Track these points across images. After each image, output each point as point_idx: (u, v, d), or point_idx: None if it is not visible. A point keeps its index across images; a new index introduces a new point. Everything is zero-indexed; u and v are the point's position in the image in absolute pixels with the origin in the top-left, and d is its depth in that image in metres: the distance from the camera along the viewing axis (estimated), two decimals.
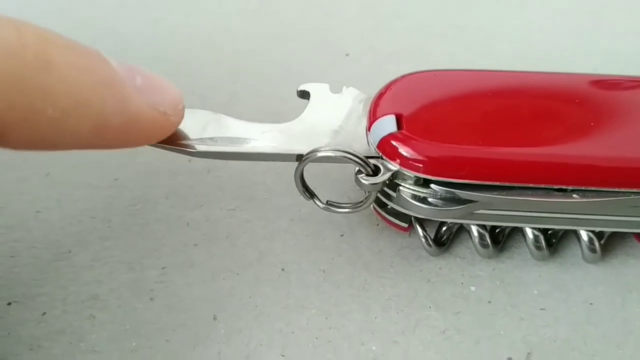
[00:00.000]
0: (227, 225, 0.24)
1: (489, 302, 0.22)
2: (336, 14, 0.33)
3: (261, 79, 0.29)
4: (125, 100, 0.17)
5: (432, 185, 0.21)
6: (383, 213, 0.23)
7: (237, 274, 0.23)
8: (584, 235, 0.22)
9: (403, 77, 0.22)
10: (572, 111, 0.21)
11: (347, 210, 0.22)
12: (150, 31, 0.32)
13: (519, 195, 0.20)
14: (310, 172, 0.22)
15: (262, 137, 0.21)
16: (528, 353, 0.21)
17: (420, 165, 0.20)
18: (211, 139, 0.21)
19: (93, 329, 0.22)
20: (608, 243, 0.23)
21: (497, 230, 0.23)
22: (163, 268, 0.23)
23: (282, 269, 0.23)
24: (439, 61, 0.30)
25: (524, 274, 0.23)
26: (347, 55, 0.31)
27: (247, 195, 0.25)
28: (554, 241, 0.23)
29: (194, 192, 0.25)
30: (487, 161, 0.20)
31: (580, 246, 0.22)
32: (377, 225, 0.24)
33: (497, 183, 0.20)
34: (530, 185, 0.20)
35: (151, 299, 0.22)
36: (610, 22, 0.32)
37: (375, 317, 0.22)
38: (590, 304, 0.22)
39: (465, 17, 0.32)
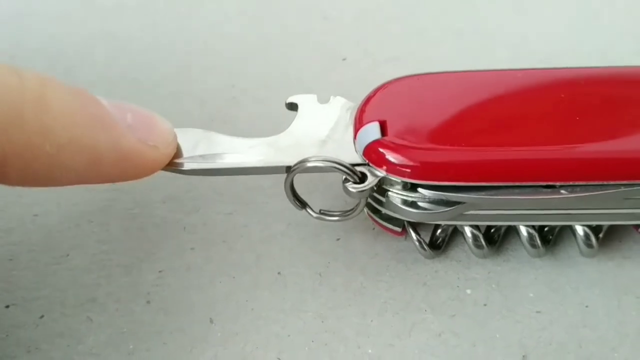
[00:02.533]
0: (224, 229, 0.24)
1: (485, 305, 0.22)
2: (334, 18, 0.33)
3: (259, 83, 0.30)
4: (117, 136, 0.19)
5: (420, 189, 0.21)
6: (377, 218, 0.23)
7: (234, 277, 0.23)
8: (579, 230, 0.22)
9: (387, 83, 0.22)
10: (555, 106, 0.21)
11: (338, 218, 0.22)
12: (148, 36, 0.32)
13: (507, 194, 0.20)
14: (306, 177, 0.22)
15: (250, 152, 0.21)
16: (523, 356, 0.21)
17: (406, 170, 0.20)
18: (201, 156, 0.21)
19: (91, 331, 0.22)
20: (604, 244, 0.23)
21: (492, 230, 0.23)
22: (160, 271, 0.23)
23: (279, 273, 0.23)
24: (436, 65, 0.30)
25: (520, 276, 0.23)
26: (344, 59, 0.31)
27: (244, 200, 0.25)
28: (550, 237, 0.23)
29: (191, 196, 0.25)
30: (472, 162, 0.20)
31: (577, 241, 0.22)
32: (374, 229, 0.24)
33: (484, 183, 0.20)
34: (518, 183, 0.20)
35: (148, 302, 0.22)
36: (607, 26, 0.32)
37: (372, 321, 0.22)
38: (586, 306, 0.22)
39: (462, 22, 0.32)
